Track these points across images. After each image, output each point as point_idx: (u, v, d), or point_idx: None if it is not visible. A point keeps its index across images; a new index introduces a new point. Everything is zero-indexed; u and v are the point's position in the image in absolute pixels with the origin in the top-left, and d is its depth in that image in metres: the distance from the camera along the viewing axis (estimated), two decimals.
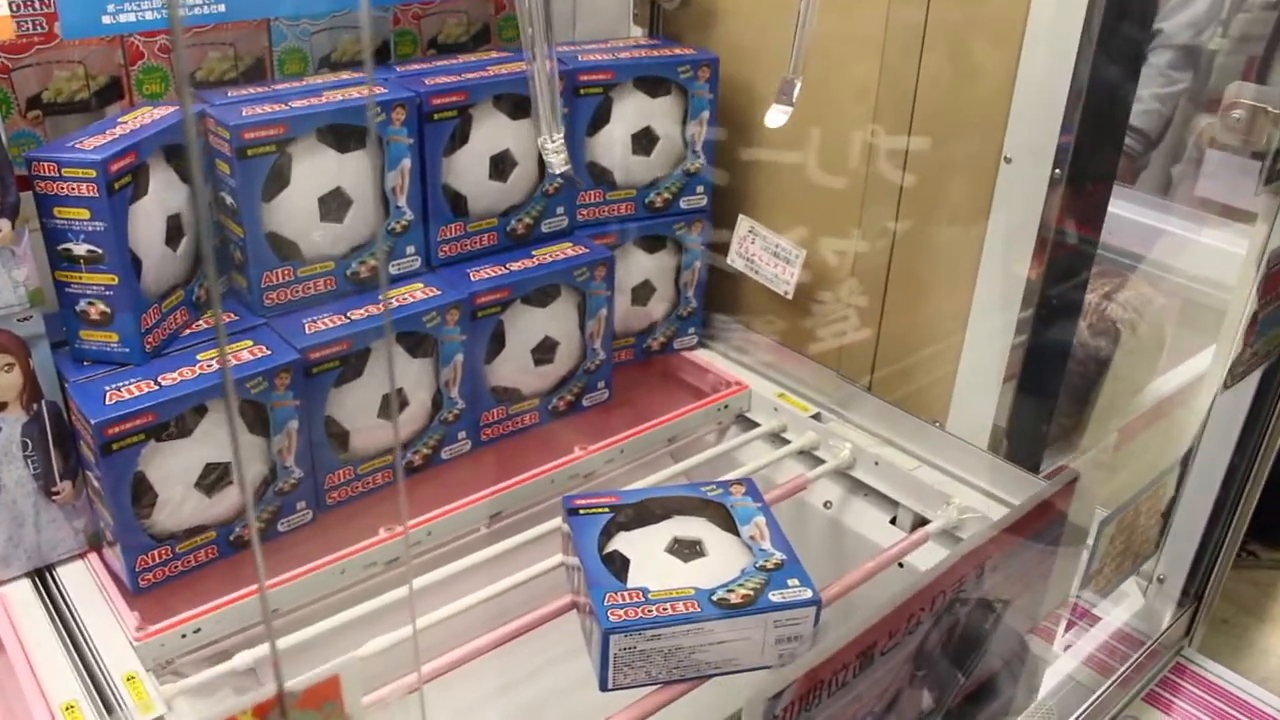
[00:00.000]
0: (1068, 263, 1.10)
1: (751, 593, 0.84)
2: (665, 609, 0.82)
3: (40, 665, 0.89)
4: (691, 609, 0.82)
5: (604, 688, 0.83)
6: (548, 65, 0.93)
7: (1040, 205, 1.06)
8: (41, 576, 0.99)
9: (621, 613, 0.81)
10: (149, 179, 0.95)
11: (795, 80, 0.97)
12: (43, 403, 0.94)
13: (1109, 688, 0.93)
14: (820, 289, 1.26)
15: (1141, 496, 0.86)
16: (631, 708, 0.83)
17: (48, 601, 0.97)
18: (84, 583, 0.98)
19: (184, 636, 0.93)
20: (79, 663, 0.90)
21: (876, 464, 1.16)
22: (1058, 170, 1.04)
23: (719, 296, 1.36)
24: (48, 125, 1.02)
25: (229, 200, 1.01)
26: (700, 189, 1.27)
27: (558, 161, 0.92)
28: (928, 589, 0.58)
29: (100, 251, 0.91)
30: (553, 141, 0.92)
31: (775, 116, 0.96)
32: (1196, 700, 0.97)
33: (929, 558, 1.05)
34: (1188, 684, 0.99)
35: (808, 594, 0.84)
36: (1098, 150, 1.05)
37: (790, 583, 0.85)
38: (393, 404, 1.03)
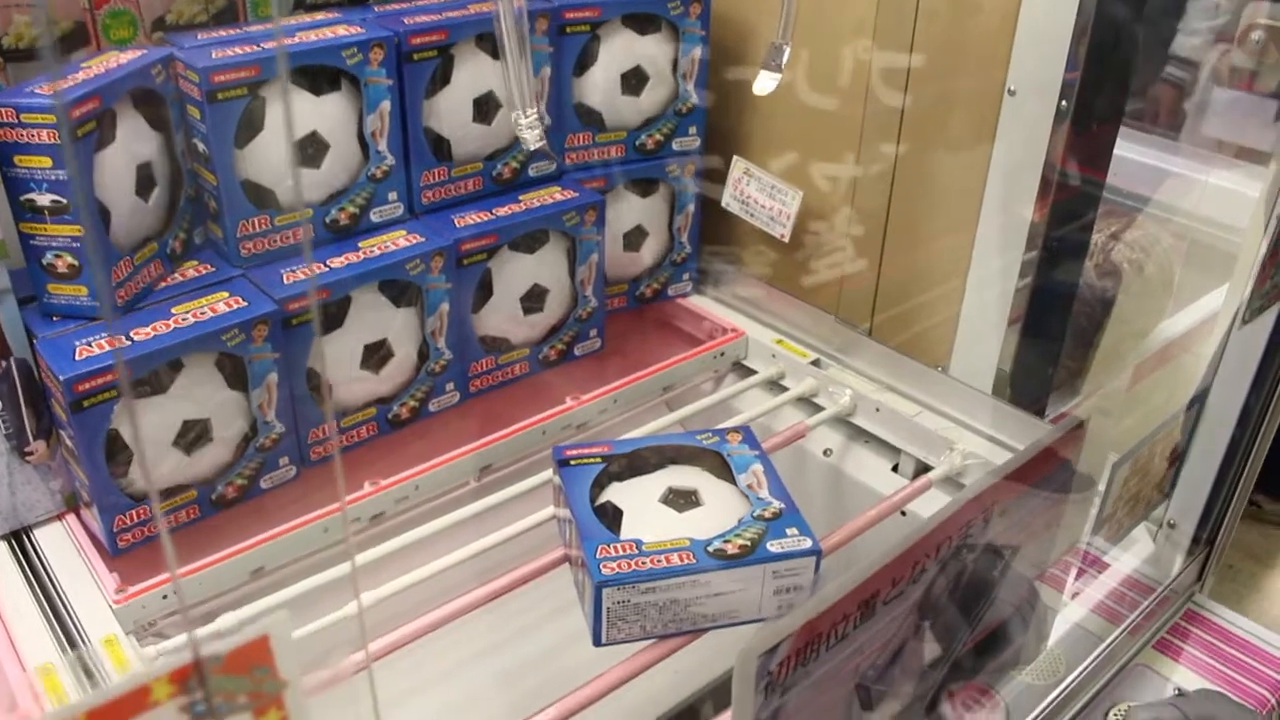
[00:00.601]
0: (1073, 202, 1.07)
1: (749, 543, 0.81)
2: (659, 561, 0.79)
3: (16, 628, 0.87)
4: (687, 560, 0.79)
5: (597, 643, 0.81)
6: (516, 33, 0.86)
7: (1045, 141, 1.03)
8: (18, 539, 0.96)
9: (614, 565, 0.78)
10: (115, 126, 0.91)
11: (784, 46, 0.92)
12: (11, 360, 0.90)
13: (1119, 635, 0.91)
14: (818, 232, 1.22)
15: (1156, 437, 0.83)
16: (626, 663, 0.81)
17: (24, 564, 0.94)
18: (62, 545, 0.96)
19: (165, 598, 0.91)
20: (56, 625, 0.88)
21: (877, 410, 1.13)
22: (1064, 102, 1.00)
23: (714, 240, 1.32)
24: (10, 73, 0.98)
25: (201, 147, 0.98)
26: (693, 130, 1.23)
27: (531, 138, 0.87)
28: (933, 534, 0.55)
29: (65, 201, 0.87)
30: (526, 117, 0.86)
31: (764, 83, 0.92)
32: (1208, 647, 0.95)
33: (932, 505, 1.03)
34: (1199, 630, 0.97)
35: (807, 543, 0.81)
36: (1105, 85, 1.01)
37: (789, 532, 0.82)
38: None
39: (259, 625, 0.30)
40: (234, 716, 0.31)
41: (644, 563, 0.79)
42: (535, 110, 0.83)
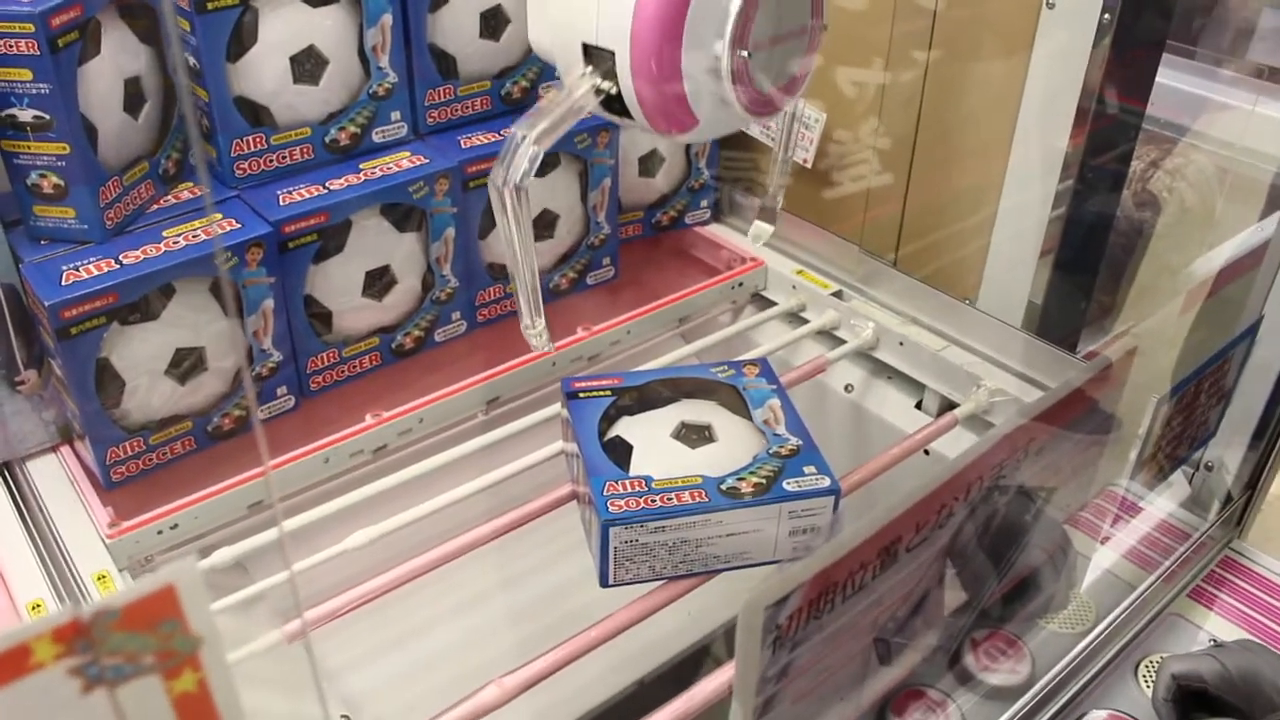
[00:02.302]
0: (1111, 129, 1.01)
1: (764, 481, 0.76)
2: (670, 499, 0.75)
3: (7, 563, 0.84)
4: (699, 499, 0.75)
5: (604, 583, 0.77)
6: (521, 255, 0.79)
7: (1084, 60, 0.97)
8: (10, 471, 0.94)
9: (622, 503, 0.75)
10: (100, 37, 0.86)
11: (777, 200, 0.86)
12: None
13: (1153, 583, 0.87)
14: (843, 158, 1.17)
15: (1205, 372, 0.78)
16: (635, 604, 0.77)
17: (16, 497, 0.92)
18: (55, 477, 0.93)
19: (160, 533, 0.88)
20: (48, 560, 0.85)
21: (901, 344, 1.09)
22: (1106, 16, 0.94)
23: (734, 166, 1.27)
24: None
25: (192, 61, 0.93)
26: None
27: (539, 344, 0.82)
28: (962, 475, 0.51)
29: (48, 117, 0.83)
30: (534, 326, 0.81)
31: (759, 232, 0.87)
32: (1245, 596, 0.91)
33: (957, 444, 0.98)
34: (1237, 578, 0.92)
35: (825, 482, 0.77)
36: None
37: (806, 470, 0.78)
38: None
39: (163, 573, 0.26)
40: (138, 680, 0.27)
41: (653, 501, 0.75)
42: (543, 319, 0.78)
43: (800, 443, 0.80)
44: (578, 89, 0.63)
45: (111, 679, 0.26)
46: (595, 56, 0.62)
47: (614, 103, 0.62)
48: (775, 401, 0.85)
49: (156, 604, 0.26)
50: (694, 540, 0.76)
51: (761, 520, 0.76)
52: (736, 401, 0.86)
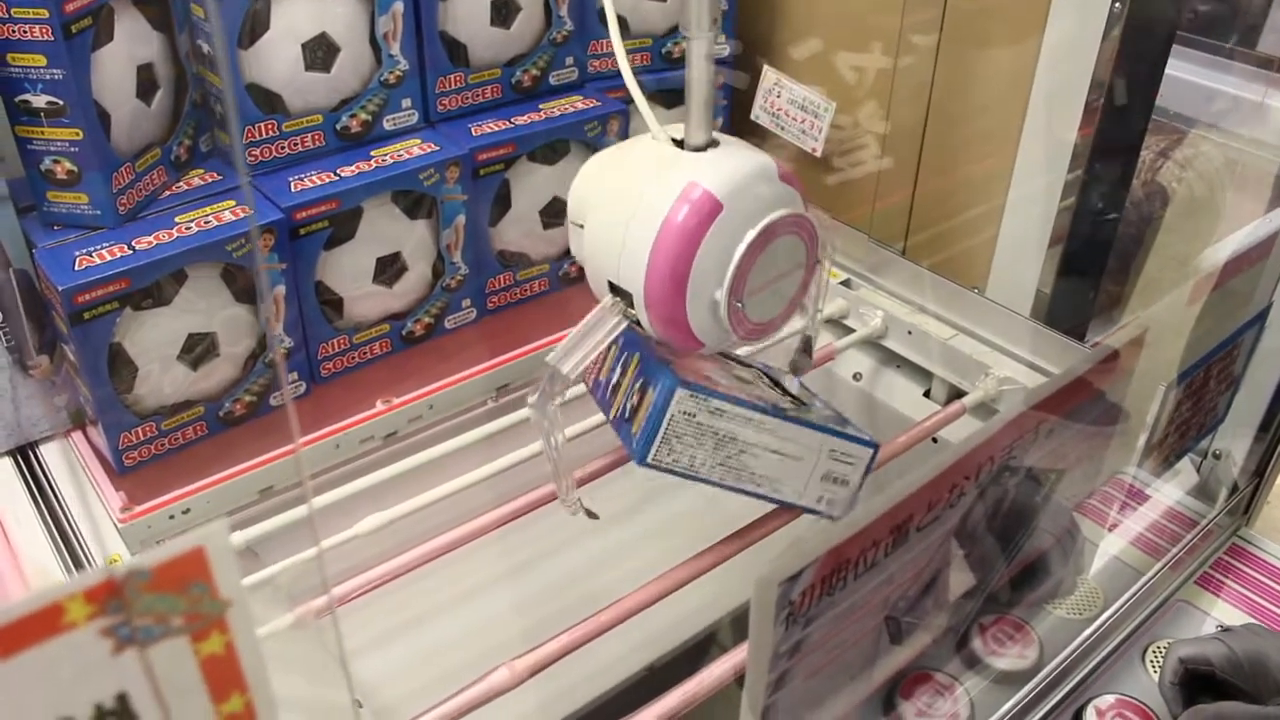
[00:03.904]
0: (1122, 117, 1.01)
1: (816, 418, 0.77)
2: (735, 392, 0.74)
3: (20, 547, 0.85)
4: (759, 401, 0.74)
5: (642, 460, 0.73)
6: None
7: (1094, 51, 0.96)
8: (24, 455, 0.94)
9: (692, 378, 0.72)
10: (114, 23, 0.87)
11: (813, 345, 0.88)
12: (10, 270, 0.87)
13: (1159, 570, 0.87)
14: (852, 147, 1.17)
15: (1214, 359, 0.78)
16: (644, 589, 0.77)
17: (29, 481, 0.92)
18: (68, 462, 0.94)
19: (172, 517, 0.89)
20: (61, 544, 0.86)
21: (910, 333, 1.09)
22: (1117, 5, 0.94)
23: None
24: None
25: (205, 48, 0.93)
26: (722, 37, 1.17)
27: (574, 511, 0.84)
28: (974, 454, 0.51)
29: (61, 103, 0.83)
30: (568, 497, 0.84)
31: (798, 364, 0.89)
32: (1252, 583, 0.91)
33: (964, 432, 0.98)
34: (1244, 566, 0.92)
35: (866, 436, 0.77)
36: None
37: (848, 428, 0.78)
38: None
39: (194, 535, 0.26)
40: (167, 641, 0.27)
41: (719, 387, 0.74)
42: (575, 490, 0.80)
43: (836, 413, 0.81)
44: (608, 320, 0.72)
45: (142, 640, 0.26)
46: (619, 291, 0.71)
47: (639, 323, 0.72)
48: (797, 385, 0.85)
49: (186, 566, 0.26)
50: (742, 441, 0.74)
51: (805, 449, 0.76)
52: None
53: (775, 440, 0.75)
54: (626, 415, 0.76)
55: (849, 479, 0.78)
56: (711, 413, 0.72)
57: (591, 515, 0.79)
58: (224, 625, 0.28)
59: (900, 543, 0.49)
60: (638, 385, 0.75)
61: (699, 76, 0.70)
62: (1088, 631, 0.81)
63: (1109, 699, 0.79)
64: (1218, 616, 0.87)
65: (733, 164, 0.70)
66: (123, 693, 0.28)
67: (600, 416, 0.85)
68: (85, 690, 0.27)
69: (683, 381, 0.71)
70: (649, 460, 0.73)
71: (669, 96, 1.18)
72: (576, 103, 1.09)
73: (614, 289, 0.72)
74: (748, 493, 0.77)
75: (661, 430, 0.72)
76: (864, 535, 0.46)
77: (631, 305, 0.70)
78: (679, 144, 0.72)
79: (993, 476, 0.54)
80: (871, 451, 0.77)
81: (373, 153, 0.99)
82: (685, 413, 0.72)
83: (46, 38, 0.80)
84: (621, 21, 1.13)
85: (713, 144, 0.72)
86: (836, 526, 0.44)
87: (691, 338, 0.70)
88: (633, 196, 0.69)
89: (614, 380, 0.80)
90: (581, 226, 0.75)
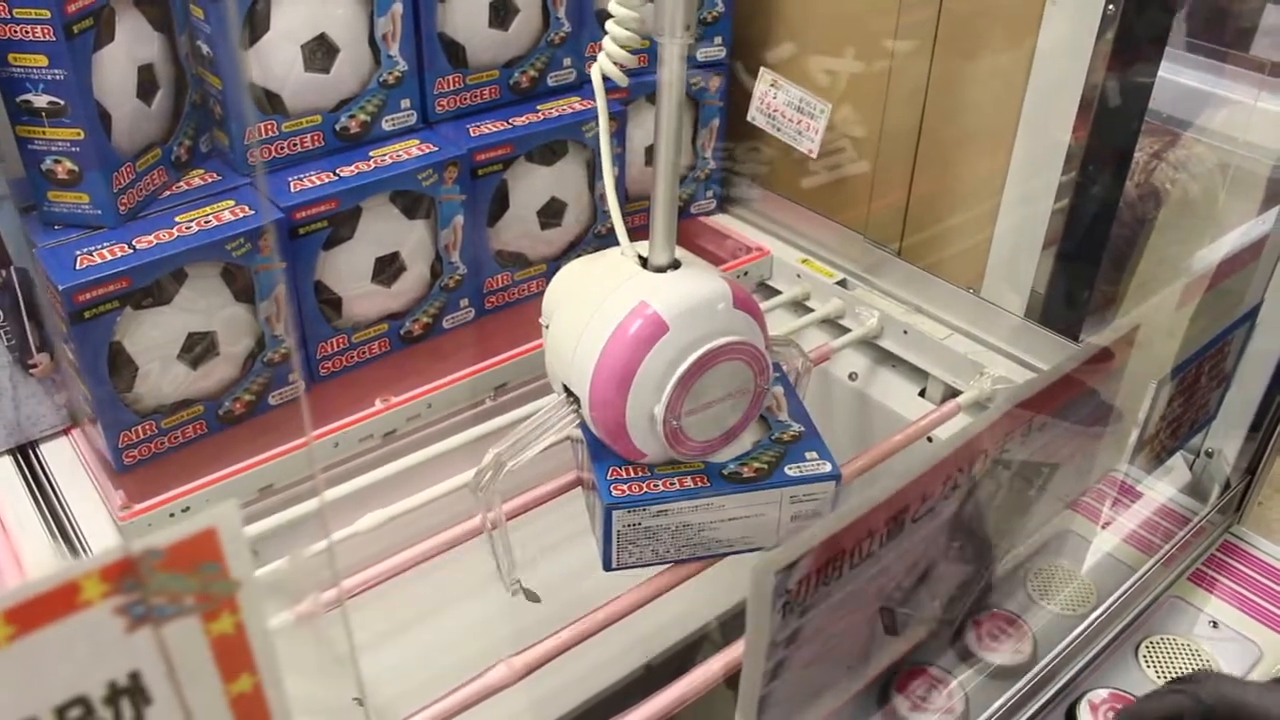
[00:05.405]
0: (1116, 119, 1.02)
1: (765, 466, 0.77)
2: (671, 484, 0.76)
3: (20, 545, 0.85)
4: (700, 484, 0.76)
5: (608, 567, 0.78)
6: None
7: (1088, 52, 0.97)
8: (24, 453, 0.95)
9: (625, 488, 0.75)
10: (115, 24, 0.87)
11: None
12: (11, 269, 0.88)
13: (1152, 566, 0.88)
14: (847, 148, 1.18)
15: (1204, 355, 0.79)
16: (639, 588, 0.78)
17: (29, 479, 0.92)
18: (67, 460, 0.94)
19: (172, 516, 0.89)
20: (61, 543, 0.86)
21: (905, 333, 1.10)
22: (1110, 8, 0.95)
23: (739, 156, 1.28)
24: None
25: (205, 49, 0.94)
26: (718, 39, 1.18)
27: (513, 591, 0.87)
28: (968, 447, 0.52)
29: (62, 103, 0.84)
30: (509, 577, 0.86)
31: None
32: (1244, 579, 0.92)
33: None
34: (1236, 562, 0.93)
35: (826, 468, 0.77)
36: None
37: (808, 456, 0.78)
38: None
39: (205, 515, 0.27)
40: (179, 620, 0.28)
41: (656, 485, 0.76)
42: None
43: (802, 429, 0.81)
44: (555, 417, 0.77)
45: (156, 618, 0.27)
46: (571, 394, 0.76)
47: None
48: (778, 389, 0.86)
49: (198, 545, 0.27)
50: (696, 524, 0.77)
51: (763, 505, 0.77)
52: None
53: (729, 511, 0.77)
54: (591, 515, 0.82)
55: (820, 510, 0.79)
56: (655, 515, 0.76)
57: (532, 598, 0.83)
58: (234, 605, 0.29)
59: (895, 534, 0.50)
60: (591, 486, 0.79)
61: (664, 191, 0.74)
62: (1082, 627, 0.82)
63: (1103, 693, 0.80)
64: (1210, 612, 0.88)
65: (686, 289, 0.73)
66: (136, 670, 0.28)
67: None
68: (100, 668, 0.27)
69: (614, 502, 0.75)
70: (614, 567, 0.78)
71: None
72: (574, 104, 1.10)
73: (566, 390, 0.77)
74: (722, 555, 0.80)
75: (614, 543, 0.77)
76: (859, 525, 0.46)
77: (580, 406, 0.75)
78: (644, 260, 0.76)
79: (986, 470, 0.55)
80: (834, 484, 0.78)
81: (371, 153, 0.99)
82: (629, 525, 0.76)
83: (48, 38, 0.81)
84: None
85: (674, 265, 0.76)
86: (833, 517, 0.45)
87: (632, 447, 0.75)
88: (591, 306, 0.74)
89: (582, 475, 0.84)
90: (548, 327, 0.80)
